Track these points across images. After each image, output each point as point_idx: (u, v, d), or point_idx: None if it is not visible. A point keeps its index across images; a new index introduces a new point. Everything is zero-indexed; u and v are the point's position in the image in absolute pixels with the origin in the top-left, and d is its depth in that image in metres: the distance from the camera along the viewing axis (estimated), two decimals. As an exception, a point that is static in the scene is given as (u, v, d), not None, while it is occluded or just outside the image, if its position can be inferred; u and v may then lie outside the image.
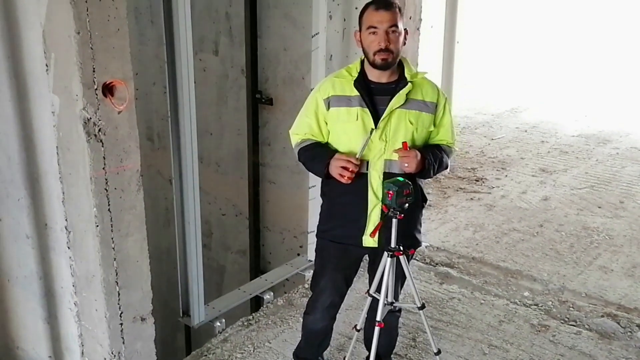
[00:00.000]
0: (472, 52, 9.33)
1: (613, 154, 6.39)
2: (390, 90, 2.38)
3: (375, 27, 2.29)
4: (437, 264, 4.14)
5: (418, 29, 3.86)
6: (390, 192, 2.31)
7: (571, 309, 3.60)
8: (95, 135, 2.27)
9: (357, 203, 2.42)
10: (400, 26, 2.32)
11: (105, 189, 2.35)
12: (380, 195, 2.39)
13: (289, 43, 4.05)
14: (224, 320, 3.44)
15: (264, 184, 4.53)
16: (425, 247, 4.34)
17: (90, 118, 2.24)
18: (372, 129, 2.35)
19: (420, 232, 2.60)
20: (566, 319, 3.50)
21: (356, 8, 3.71)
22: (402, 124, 2.37)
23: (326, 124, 2.45)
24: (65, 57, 2.20)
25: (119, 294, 2.50)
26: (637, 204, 5.10)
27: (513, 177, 5.78)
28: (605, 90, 9.15)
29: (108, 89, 2.25)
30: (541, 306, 3.62)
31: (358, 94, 2.37)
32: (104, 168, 2.33)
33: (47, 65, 2.27)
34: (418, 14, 3.81)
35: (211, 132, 4.71)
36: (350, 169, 2.33)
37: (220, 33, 4.43)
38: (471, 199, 5.28)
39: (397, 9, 2.32)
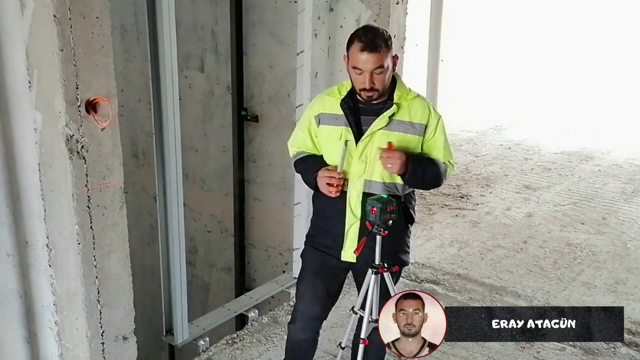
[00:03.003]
0: (457, 71, 9.45)
1: (595, 171, 6.48)
2: (377, 110, 2.37)
3: (360, 69, 2.27)
4: (422, 280, 4.14)
5: (402, 47, 3.90)
6: (374, 208, 2.32)
7: (555, 325, 3.61)
8: (78, 152, 2.26)
9: (336, 218, 2.44)
10: (387, 62, 2.27)
11: (88, 206, 2.33)
12: (358, 215, 2.40)
13: (274, 60, 4.07)
14: (207, 338, 3.41)
15: (249, 200, 4.52)
16: (411, 263, 4.34)
17: (73, 135, 2.23)
18: (347, 141, 2.35)
19: (407, 252, 2.58)
20: (550, 336, 3.51)
21: (341, 26, 3.75)
22: (383, 147, 2.36)
23: (318, 138, 2.48)
24: (48, 74, 2.19)
25: (100, 313, 2.46)
26: (619, 220, 5.16)
27: (497, 194, 5.83)
28: (587, 108, 9.30)
29: (91, 106, 2.24)
30: (526, 322, 3.63)
31: (342, 113, 2.39)
32: (86, 185, 2.31)
33: (29, 82, 2.26)
34: (402, 33, 3.86)
35: (196, 149, 4.69)
36: (335, 184, 2.34)
37: (206, 50, 4.44)
38: (456, 215, 5.31)
39: (384, 47, 2.25)
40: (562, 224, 5.09)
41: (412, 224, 2.58)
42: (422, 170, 2.38)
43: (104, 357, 2.52)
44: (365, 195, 2.39)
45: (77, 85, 2.19)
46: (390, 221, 2.32)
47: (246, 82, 4.27)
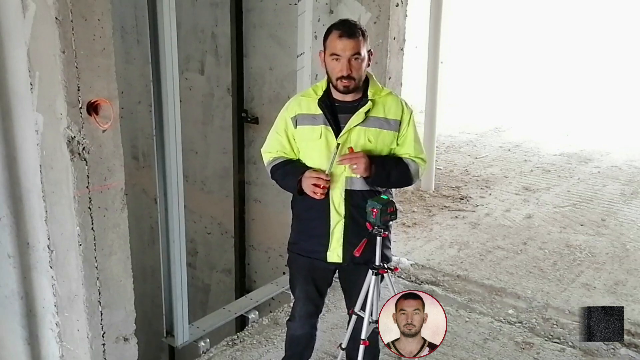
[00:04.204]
0: (456, 72, 9.46)
1: (594, 173, 6.49)
2: (353, 108, 2.40)
3: (338, 55, 2.30)
4: (422, 282, 4.15)
5: (402, 49, 3.91)
6: (375, 209, 2.33)
7: (555, 326, 3.62)
8: (79, 154, 2.27)
9: (320, 219, 2.46)
10: (364, 52, 2.32)
11: (89, 208, 2.34)
12: (342, 213, 2.43)
13: (274, 62, 4.09)
14: (208, 340, 3.41)
15: (249, 202, 4.52)
16: (411, 265, 4.35)
17: (75, 137, 2.24)
18: (338, 144, 2.38)
19: (388, 247, 2.56)
20: (550, 336, 3.51)
21: (341, 28, 3.76)
22: (362, 142, 2.39)
23: (295, 141, 2.49)
24: (49, 76, 2.20)
25: (101, 314, 2.47)
26: (618, 222, 5.17)
27: (497, 196, 5.84)
28: (586, 109, 9.32)
29: (93, 108, 2.25)
30: (525, 323, 3.64)
31: (321, 112, 2.42)
32: (87, 186, 2.32)
33: (31, 84, 2.27)
34: (402, 35, 3.87)
35: (197, 151, 4.70)
36: (322, 185, 2.36)
37: (206, 52, 4.45)
38: (456, 217, 5.31)
39: (361, 35, 2.31)
40: (562, 225, 5.10)
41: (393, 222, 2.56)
42: (386, 172, 2.40)
43: (105, 358, 2.52)
44: (347, 193, 2.42)
45: (78, 87, 2.20)
46: (391, 222, 2.34)
47: (246, 84, 4.28)
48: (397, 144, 2.46)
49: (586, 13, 11.05)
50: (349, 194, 2.42)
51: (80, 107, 2.22)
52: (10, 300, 2.74)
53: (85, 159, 2.28)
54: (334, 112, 2.42)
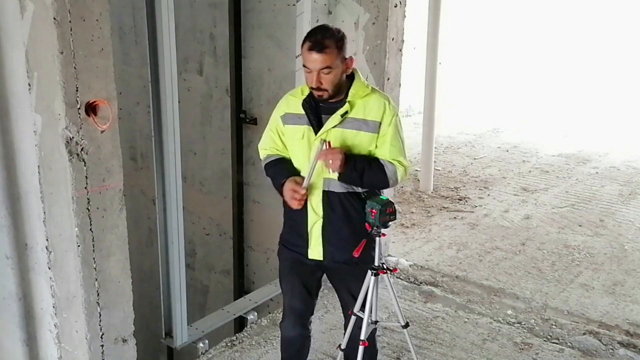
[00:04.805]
0: (455, 73, 9.47)
1: (593, 173, 6.50)
2: (334, 109, 2.40)
3: (308, 68, 2.31)
4: (421, 282, 4.15)
5: (400, 50, 3.91)
6: (374, 210, 2.33)
7: (554, 326, 3.62)
8: (78, 155, 2.26)
9: (301, 218, 2.49)
10: (336, 63, 2.29)
11: (87, 209, 2.34)
12: (320, 213, 2.45)
13: (273, 63, 4.09)
14: (207, 341, 3.40)
15: (248, 203, 4.52)
16: (409, 266, 4.35)
17: (73, 137, 2.23)
18: (323, 141, 2.36)
19: (373, 247, 2.53)
20: (549, 337, 3.51)
21: (339, 29, 3.76)
22: (338, 144, 2.39)
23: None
24: (48, 76, 2.20)
25: (100, 315, 2.46)
26: (616, 222, 5.17)
27: (495, 196, 5.84)
28: (584, 110, 9.33)
29: (91, 108, 2.25)
30: (524, 324, 3.64)
31: (304, 113, 2.43)
32: (86, 187, 2.31)
33: (29, 85, 2.27)
34: (400, 35, 3.86)
35: (195, 152, 4.70)
36: (298, 198, 2.39)
37: (204, 53, 4.45)
38: (454, 217, 5.32)
39: (334, 47, 2.28)
40: (560, 226, 5.11)
41: None
42: (358, 172, 2.36)
43: (104, 359, 2.52)
44: (325, 194, 2.43)
45: (77, 87, 2.19)
46: (390, 222, 2.33)
47: (245, 85, 4.28)
48: (376, 146, 2.42)
49: (584, 13, 11.07)
50: (327, 195, 2.43)
51: (79, 108, 2.22)
52: (8, 301, 2.73)
53: (83, 160, 2.28)
54: (318, 113, 2.43)
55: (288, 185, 2.42)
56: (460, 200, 5.72)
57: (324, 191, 2.43)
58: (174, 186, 3.11)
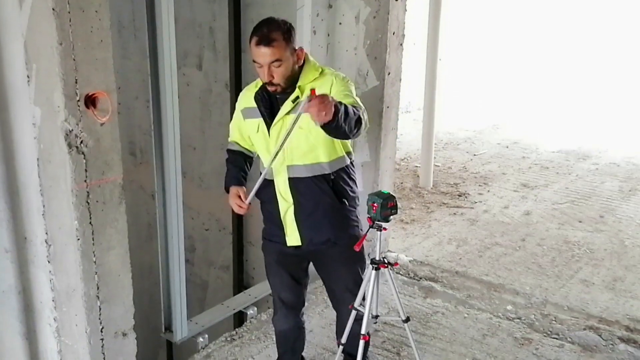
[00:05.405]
0: (455, 70, 9.46)
1: (592, 170, 6.49)
2: (287, 98, 2.39)
3: (258, 62, 2.30)
4: (420, 278, 4.14)
5: (401, 44, 3.89)
6: (375, 204, 2.33)
7: (554, 322, 3.62)
8: (77, 148, 2.25)
9: (274, 208, 2.51)
10: (286, 55, 2.27)
11: (87, 202, 2.32)
12: (290, 200, 2.46)
13: (273, 58, 4.06)
14: (207, 335, 3.40)
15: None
16: (409, 261, 4.34)
17: (72, 130, 2.22)
18: (307, 99, 2.10)
19: (354, 226, 2.55)
20: (549, 332, 3.51)
21: (340, 23, 3.75)
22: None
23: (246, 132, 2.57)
24: (47, 68, 2.18)
25: (100, 309, 2.45)
26: (616, 218, 5.17)
27: (495, 192, 5.84)
28: (584, 106, 9.32)
29: (90, 101, 2.23)
30: (524, 319, 3.64)
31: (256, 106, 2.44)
32: (85, 180, 2.30)
33: (28, 77, 2.25)
34: (401, 30, 3.85)
35: (194, 147, 4.68)
36: (241, 211, 2.46)
37: (204, 47, 4.43)
38: (454, 213, 5.31)
39: (281, 39, 2.25)
40: (560, 222, 5.10)
41: (348, 199, 2.51)
42: (343, 108, 2.17)
43: (104, 353, 2.51)
44: (291, 180, 2.43)
45: (76, 79, 2.18)
46: (391, 216, 2.33)
47: (244, 80, 4.26)
48: None
49: (584, 9, 11.05)
50: (293, 182, 2.44)
51: (78, 100, 2.20)
52: (8, 295, 2.71)
53: (83, 153, 2.26)
54: (274, 105, 2.42)
55: (233, 193, 2.48)
56: (460, 196, 5.72)
57: (289, 178, 2.44)
58: (173, 181, 3.10)
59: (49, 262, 2.45)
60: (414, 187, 5.95)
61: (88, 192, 2.32)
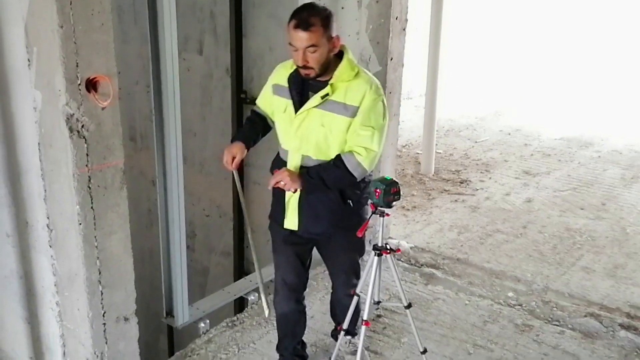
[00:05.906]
0: (457, 55, 9.40)
1: (595, 157, 6.47)
2: (319, 88, 2.38)
3: (294, 46, 2.29)
4: (422, 265, 4.14)
5: (404, 29, 3.86)
6: (378, 190, 2.32)
7: (555, 309, 3.62)
8: (78, 132, 2.23)
9: (280, 190, 2.53)
10: (322, 41, 2.27)
11: (89, 187, 2.31)
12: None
13: (274, 43, 4.04)
14: (208, 321, 3.41)
15: (248, 184, 4.50)
16: (410, 248, 4.34)
17: (73, 114, 2.20)
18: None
19: (360, 215, 2.57)
20: (550, 319, 3.52)
21: (342, 8, 3.71)
22: (315, 125, 2.39)
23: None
24: (48, 52, 2.16)
25: (102, 294, 2.45)
26: (618, 206, 5.16)
27: (497, 179, 5.83)
28: (587, 93, 9.28)
29: (92, 85, 2.21)
30: (525, 306, 3.64)
31: (288, 87, 2.45)
32: (87, 165, 2.28)
33: (29, 60, 2.23)
34: (404, 14, 3.81)
35: (195, 133, 4.67)
36: (227, 167, 2.54)
37: (204, 32, 4.40)
38: (455, 200, 5.30)
39: (319, 25, 2.25)
40: (562, 209, 5.10)
41: (353, 201, 2.52)
42: (319, 178, 2.39)
43: (106, 338, 2.51)
44: (302, 169, 2.44)
45: (77, 63, 2.16)
46: (394, 202, 2.32)
47: (245, 65, 4.24)
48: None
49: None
50: (302, 170, 2.45)
51: (79, 84, 2.18)
52: (10, 279, 2.72)
53: (84, 137, 2.25)
54: (305, 89, 2.42)
55: (232, 150, 2.53)
56: (462, 183, 5.71)
57: (301, 166, 2.46)
58: (174, 167, 3.08)
59: (50, 246, 2.45)
60: (416, 174, 5.94)
61: (89, 177, 2.31)
